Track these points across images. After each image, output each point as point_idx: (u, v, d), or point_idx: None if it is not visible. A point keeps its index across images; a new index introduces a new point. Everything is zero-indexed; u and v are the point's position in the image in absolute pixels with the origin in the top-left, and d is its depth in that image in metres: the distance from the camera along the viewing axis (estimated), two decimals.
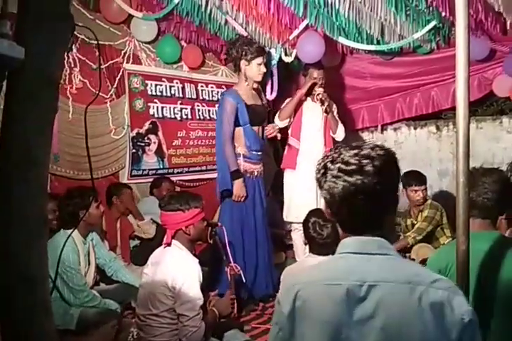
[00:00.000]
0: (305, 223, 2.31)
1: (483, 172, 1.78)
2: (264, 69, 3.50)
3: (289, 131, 3.87)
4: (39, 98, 1.11)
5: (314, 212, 2.35)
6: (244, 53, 3.43)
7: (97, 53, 3.54)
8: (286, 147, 3.90)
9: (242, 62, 3.45)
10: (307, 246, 2.78)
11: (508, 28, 3.53)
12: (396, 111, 4.63)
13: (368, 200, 1.04)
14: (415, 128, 4.65)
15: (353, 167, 1.03)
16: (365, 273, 1.02)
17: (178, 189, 4.15)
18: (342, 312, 1.00)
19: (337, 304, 1.01)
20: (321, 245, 2.25)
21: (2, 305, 1.09)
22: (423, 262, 2.82)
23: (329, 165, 1.08)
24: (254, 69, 3.45)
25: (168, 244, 2.28)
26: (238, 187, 3.37)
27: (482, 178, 1.75)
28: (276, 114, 3.85)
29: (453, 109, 4.31)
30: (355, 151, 1.06)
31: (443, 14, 3.24)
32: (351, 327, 1.00)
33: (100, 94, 3.68)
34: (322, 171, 1.10)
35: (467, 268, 1.50)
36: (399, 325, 0.99)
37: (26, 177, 1.10)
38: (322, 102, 3.69)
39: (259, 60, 3.44)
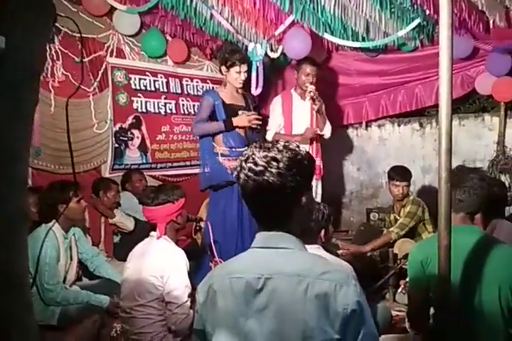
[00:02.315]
0: None
1: (470, 169, 1.84)
2: (243, 77, 3.54)
3: (281, 130, 3.89)
4: (19, 89, 1.08)
5: None
6: (224, 60, 3.50)
7: (80, 46, 3.49)
8: None
9: (223, 68, 3.54)
10: None
11: (491, 26, 3.58)
12: (380, 107, 4.67)
13: (273, 198, 1.14)
14: (399, 125, 4.69)
15: (261, 168, 1.13)
16: (265, 266, 1.12)
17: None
18: (241, 303, 1.11)
19: (238, 296, 1.12)
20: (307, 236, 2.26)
21: None
22: (406, 257, 2.86)
23: (243, 164, 1.17)
24: (233, 76, 3.50)
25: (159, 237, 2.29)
26: (239, 120, 3.40)
27: (470, 175, 1.79)
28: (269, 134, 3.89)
29: (436, 106, 4.34)
30: (265, 153, 1.15)
31: (427, 12, 3.27)
32: (249, 317, 1.10)
33: (83, 87, 3.63)
34: (238, 169, 1.19)
35: (449, 262, 1.52)
36: (286, 314, 1.07)
37: (5, 171, 1.07)
38: (313, 100, 3.68)
39: (237, 68, 3.49)
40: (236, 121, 3.40)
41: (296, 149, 1.17)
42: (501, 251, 1.76)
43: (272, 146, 1.16)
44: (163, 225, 2.29)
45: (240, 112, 3.52)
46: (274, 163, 1.12)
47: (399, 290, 3.10)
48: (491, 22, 3.51)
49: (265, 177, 1.12)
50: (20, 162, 1.13)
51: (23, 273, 1.13)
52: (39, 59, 1.19)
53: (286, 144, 1.17)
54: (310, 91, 3.67)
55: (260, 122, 3.53)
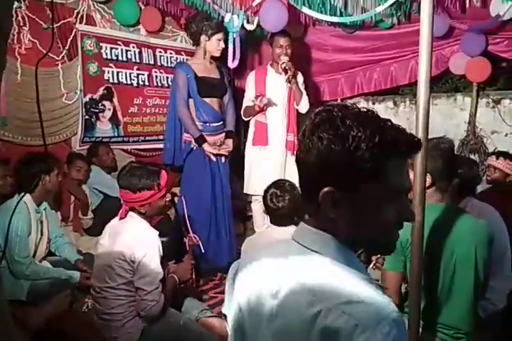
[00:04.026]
0: (264, 194, 2.31)
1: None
2: (223, 45, 3.54)
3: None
4: None
5: (274, 183, 2.35)
6: (204, 28, 3.45)
7: (49, 11, 3.32)
8: (254, 123, 3.83)
9: (203, 38, 3.47)
10: (267, 217, 2.79)
11: (467, 6, 3.59)
12: (356, 85, 4.66)
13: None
14: (373, 103, 4.72)
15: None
16: (288, 268, 0.87)
17: (133, 158, 4.05)
18: (255, 304, 0.89)
19: (254, 293, 0.90)
20: (278, 216, 2.27)
21: None
22: None
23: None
24: (215, 44, 3.48)
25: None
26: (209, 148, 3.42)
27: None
28: (242, 111, 3.82)
29: (410, 85, 4.41)
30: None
31: None
32: (258, 323, 0.87)
33: (51, 55, 3.48)
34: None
35: (422, 238, 1.56)
36: (285, 337, 0.82)
37: None
38: (286, 71, 3.60)
39: (219, 35, 3.49)
40: (207, 147, 3.42)
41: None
42: (473, 226, 1.83)
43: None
44: (143, 209, 2.17)
45: (214, 101, 3.51)
46: None
47: (370, 266, 3.17)
48: (467, 1, 3.52)
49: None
50: None
51: None
52: (6, 16, 1.10)
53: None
54: (283, 63, 3.59)
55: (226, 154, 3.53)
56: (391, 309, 0.77)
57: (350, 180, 0.82)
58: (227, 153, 3.53)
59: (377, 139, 0.81)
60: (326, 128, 0.83)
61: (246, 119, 3.86)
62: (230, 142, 3.57)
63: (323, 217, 0.86)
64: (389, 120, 0.87)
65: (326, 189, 0.82)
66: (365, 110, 0.87)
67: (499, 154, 3.16)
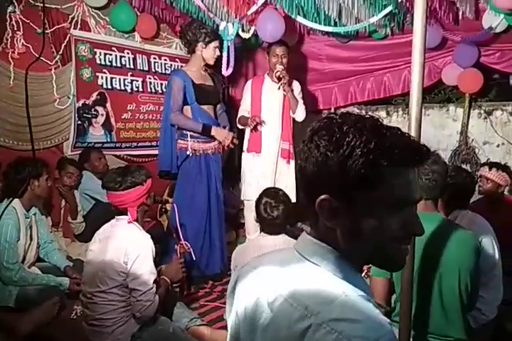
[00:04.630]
0: (257, 203, 2.30)
1: None
2: (219, 53, 3.56)
3: (249, 116, 3.78)
4: None
5: (267, 192, 2.34)
6: (201, 36, 3.45)
7: (42, 16, 3.31)
8: (248, 130, 3.83)
9: (199, 45, 3.47)
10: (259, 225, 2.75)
11: (460, 17, 3.63)
12: (349, 94, 4.69)
13: None
14: (366, 113, 4.70)
15: None
16: (285, 278, 0.84)
17: (126, 164, 4.03)
18: (251, 312, 0.86)
19: (252, 301, 0.86)
20: (271, 225, 2.26)
21: None
22: None
23: None
24: (211, 52, 3.49)
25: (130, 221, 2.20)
26: (218, 133, 3.38)
27: None
28: (237, 119, 3.83)
29: (403, 95, 4.44)
30: None
31: (399, 0, 3.27)
32: (252, 331, 0.85)
33: (44, 60, 3.48)
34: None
35: (413, 247, 1.55)
36: None
37: None
38: (279, 79, 3.61)
39: (216, 43, 3.50)
40: (215, 131, 3.37)
41: None
42: (460, 237, 1.82)
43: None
44: (134, 209, 2.18)
45: (211, 108, 3.51)
46: None
47: (362, 275, 3.17)
48: (460, 13, 3.56)
49: None
50: None
51: None
52: None
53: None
54: (277, 71, 3.61)
55: (233, 145, 3.51)
56: (385, 330, 0.72)
57: (346, 187, 0.78)
58: (234, 144, 3.50)
59: (372, 145, 0.77)
60: (323, 134, 0.81)
61: (240, 128, 3.86)
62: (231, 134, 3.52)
63: (321, 226, 0.83)
64: (396, 128, 0.82)
65: (322, 197, 0.79)
66: (367, 117, 0.83)
67: (492, 165, 3.17)
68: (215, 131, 3.38)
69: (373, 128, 0.80)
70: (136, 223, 2.20)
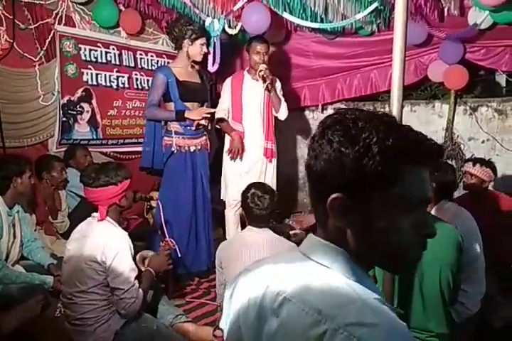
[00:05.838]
0: (243, 194, 2.32)
1: None
2: (206, 50, 3.52)
3: (230, 115, 3.74)
4: None
5: (253, 185, 2.37)
6: (187, 33, 3.41)
7: (26, 12, 3.28)
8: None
9: (186, 42, 3.43)
10: (239, 226, 2.77)
11: (445, 14, 3.65)
12: (336, 91, 4.70)
13: None
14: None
15: None
16: (292, 281, 0.79)
17: (112, 161, 4.00)
18: (254, 319, 0.81)
19: (254, 307, 0.82)
20: (259, 217, 2.26)
21: None
22: None
23: None
24: (198, 49, 3.45)
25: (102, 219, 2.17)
26: (192, 114, 3.33)
27: None
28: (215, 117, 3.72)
29: (389, 91, 4.44)
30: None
31: None
32: (256, 338, 0.80)
33: (28, 56, 3.44)
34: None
35: None
36: None
37: None
38: (264, 79, 3.54)
39: (203, 40, 3.47)
40: (188, 114, 3.33)
41: None
42: (442, 231, 1.82)
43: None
44: (104, 208, 2.14)
45: (195, 106, 3.46)
46: None
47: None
48: (445, 10, 3.58)
49: None
50: None
51: None
52: None
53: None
54: (260, 70, 3.52)
55: (210, 117, 3.44)
56: (404, 334, 0.69)
57: (360, 185, 0.74)
58: (207, 122, 3.44)
59: (390, 142, 0.73)
60: (336, 130, 0.76)
61: (218, 127, 3.81)
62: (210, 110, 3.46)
63: (331, 227, 0.79)
64: (408, 126, 0.80)
65: (334, 195, 0.75)
66: (380, 113, 0.80)
67: (476, 161, 3.19)
68: (187, 113, 3.33)
69: (390, 125, 0.77)
70: (111, 220, 2.15)
